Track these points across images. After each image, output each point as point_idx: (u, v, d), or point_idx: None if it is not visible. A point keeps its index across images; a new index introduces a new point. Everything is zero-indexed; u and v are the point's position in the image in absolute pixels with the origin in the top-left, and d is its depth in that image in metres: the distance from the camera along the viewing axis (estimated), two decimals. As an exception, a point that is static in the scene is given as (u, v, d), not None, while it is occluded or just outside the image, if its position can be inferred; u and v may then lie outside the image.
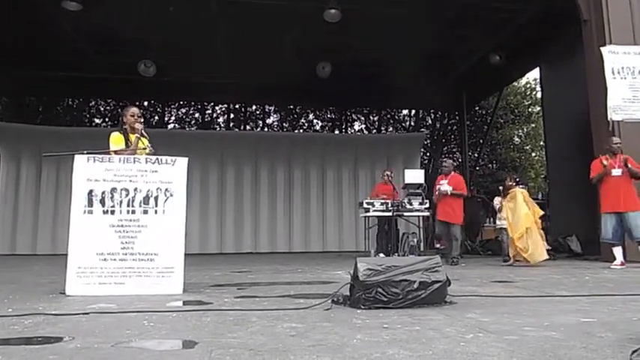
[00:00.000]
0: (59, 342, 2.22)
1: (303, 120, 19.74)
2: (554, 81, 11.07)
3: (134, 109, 4.65)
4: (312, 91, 13.96)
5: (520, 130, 20.76)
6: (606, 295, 3.71)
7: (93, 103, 17.74)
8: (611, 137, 6.75)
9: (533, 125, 20.19)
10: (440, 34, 10.62)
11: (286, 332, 2.38)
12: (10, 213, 12.52)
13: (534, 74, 16.30)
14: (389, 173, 9.44)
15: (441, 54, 11.75)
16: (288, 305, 3.25)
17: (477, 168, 16.91)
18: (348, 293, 3.26)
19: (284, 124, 19.45)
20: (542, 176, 18.84)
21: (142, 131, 4.53)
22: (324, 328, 2.46)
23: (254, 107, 18.75)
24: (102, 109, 18.16)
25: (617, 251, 6.38)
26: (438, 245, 11.80)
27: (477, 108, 18.22)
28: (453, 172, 7.70)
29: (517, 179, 7.63)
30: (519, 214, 7.02)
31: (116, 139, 4.46)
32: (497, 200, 8.10)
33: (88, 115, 17.71)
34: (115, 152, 4.29)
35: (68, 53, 11.30)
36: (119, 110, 17.52)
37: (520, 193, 7.25)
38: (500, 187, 7.80)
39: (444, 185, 7.52)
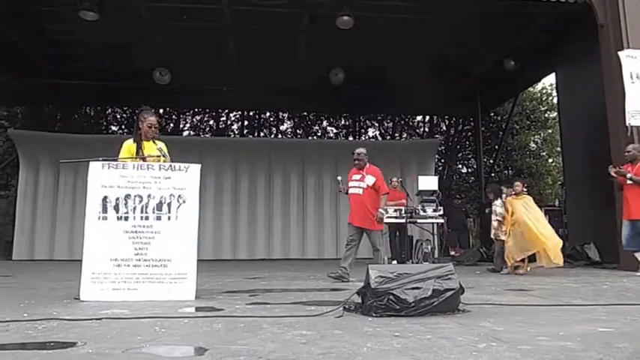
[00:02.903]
0: (72, 347, 2.24)
1: (316, 127, 19.77)
2: (571, 86, 10.91)
3: (152, 119, 4.47)
4: (326, 98, 13.99)
5: (536, 136, 20.50)
6: (625, 304, 3.63)
7: (109, 110, 18.00)
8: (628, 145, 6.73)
9: (550, 131, 19.90)
10: (453, 39, 10.57)
11: (297, 340, 2.37)
12: (29, 219, 12.74)
13: (550, 79, 16.11)
14: (396, 179, 9.31)
15: (454, 60, 11.70)
16: (300, 312, 3.25)
17: (493, 174, 16.69)
18: (359, 300, 3.24)
19: (297, 131, 19.50)
20: (559, 183, 18.55)
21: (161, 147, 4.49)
22: (335, 336, 2.45)
23: (268, 114, 18.84)
24: (118, 116, 18.41)
25: None
26: (452, 252, 11.73)
27: (492, 114, 18.05)
28: (368, 165, 6.17)
29: (527, 186, 7.43)
30: (537, 217, 6.83)
31: (125, 150, 4.42)
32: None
33: (104, 123, 17.97)
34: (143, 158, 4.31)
35: (85, 62, 11.51)
36: (135, 118, 17.73)
37: (529, 199, 7.12)
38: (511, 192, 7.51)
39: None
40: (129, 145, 4.46)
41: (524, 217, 6.77)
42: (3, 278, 6.63)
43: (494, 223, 7.39)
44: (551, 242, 6.59)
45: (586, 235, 9.17)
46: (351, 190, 6.11)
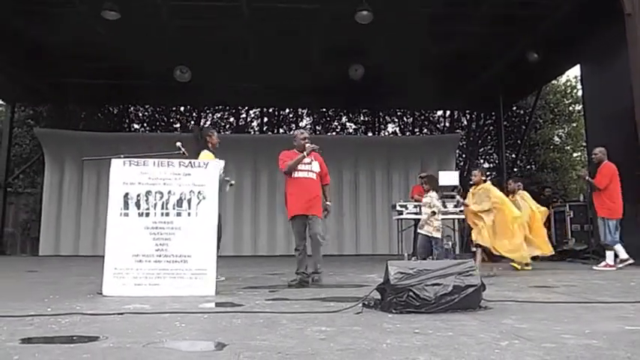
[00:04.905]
0: (93, 341, 2.28)
1: (335, 123, 19.71)
2: (596, 78, 10.63)
3: (216, 135, 5.89)
4: (345, 94, 13.92)
5: (560, 130, 20.05)
6: (653, 301, 3.53)
7: (132, 109, 18.27)
8: None
9: (574, 125, 19.45)
10: (474, 32, 10.39)
11: (316, 336, 2.36)
12: (55, 216, 13.03)
13: (575, 71, 15.74)
14: (424, 174, 9.25)
15: (475, 53, 11.49)
16: (319, 308, 3.24)
17: (515, 169, 16.39)
18: (379, 297, 3.21)
19: (317, 127, 19.47)
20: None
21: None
22: (354, 332, 2.43)
23: (287, 111, 18.87)
24: (140, 114, 18.67)
25: (608, 254, 6.85)
26: (474, 249, 11.58)
27: (514, 108, 17.72)
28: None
29: (488, 174, 7.05)
30: (504, 217, 6.45)
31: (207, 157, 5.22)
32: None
33: (127, 121, 18.25)
34: None
35: (107, 61, 11.66)
36: (156, 116, 18.01)
37: (491, 189, 6.59)
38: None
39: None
40: (207, 154, 5.44)
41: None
42: (29, 273, 6.80)
43: (425, 216, 6.66)
44: (483, 239, 6.42)
45: (612, 231, 8.93)
46: (301, 174, 5.31)
